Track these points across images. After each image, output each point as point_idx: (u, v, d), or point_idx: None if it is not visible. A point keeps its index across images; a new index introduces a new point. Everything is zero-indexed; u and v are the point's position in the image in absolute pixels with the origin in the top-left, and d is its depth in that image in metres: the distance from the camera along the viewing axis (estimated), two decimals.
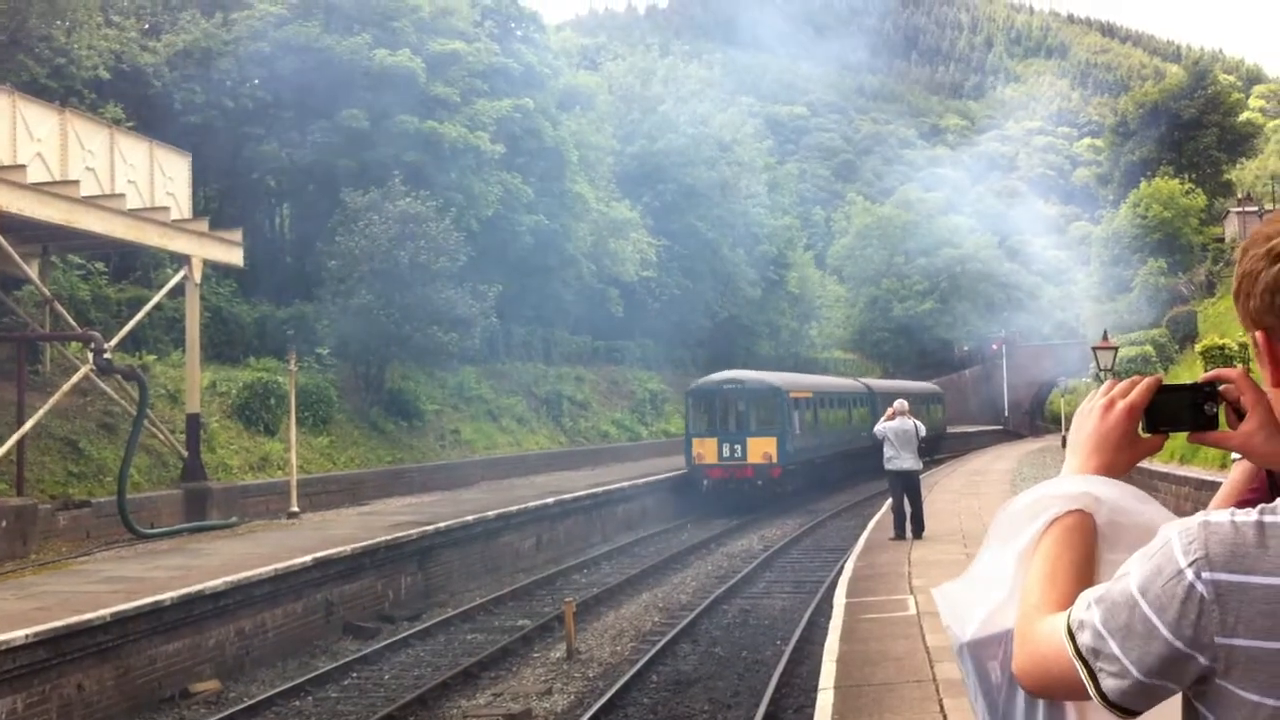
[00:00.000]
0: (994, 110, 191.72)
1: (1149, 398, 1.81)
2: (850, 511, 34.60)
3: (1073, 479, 1.79)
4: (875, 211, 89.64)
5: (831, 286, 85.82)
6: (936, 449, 53.57)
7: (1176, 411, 1.81)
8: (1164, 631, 1.45)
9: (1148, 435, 1.84)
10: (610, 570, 24.20)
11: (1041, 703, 1.80)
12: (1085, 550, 1.71)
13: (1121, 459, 1.81)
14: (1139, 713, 1.52)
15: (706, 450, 34.03)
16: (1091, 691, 1.51)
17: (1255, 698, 1.43)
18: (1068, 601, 1.59)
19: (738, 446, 34.04)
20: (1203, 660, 1.45)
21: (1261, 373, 1.67)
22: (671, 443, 48.47)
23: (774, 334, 68.20)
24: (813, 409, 38.70)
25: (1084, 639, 1.52)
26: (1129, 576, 1.50)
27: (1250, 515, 1.48)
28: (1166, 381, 1.83)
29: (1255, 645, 1.42)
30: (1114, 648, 1.48)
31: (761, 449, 34.08)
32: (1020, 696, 1.81)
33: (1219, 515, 1.49)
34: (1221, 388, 1.79)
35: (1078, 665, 1.52)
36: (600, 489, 29.77)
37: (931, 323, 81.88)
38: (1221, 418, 1.80)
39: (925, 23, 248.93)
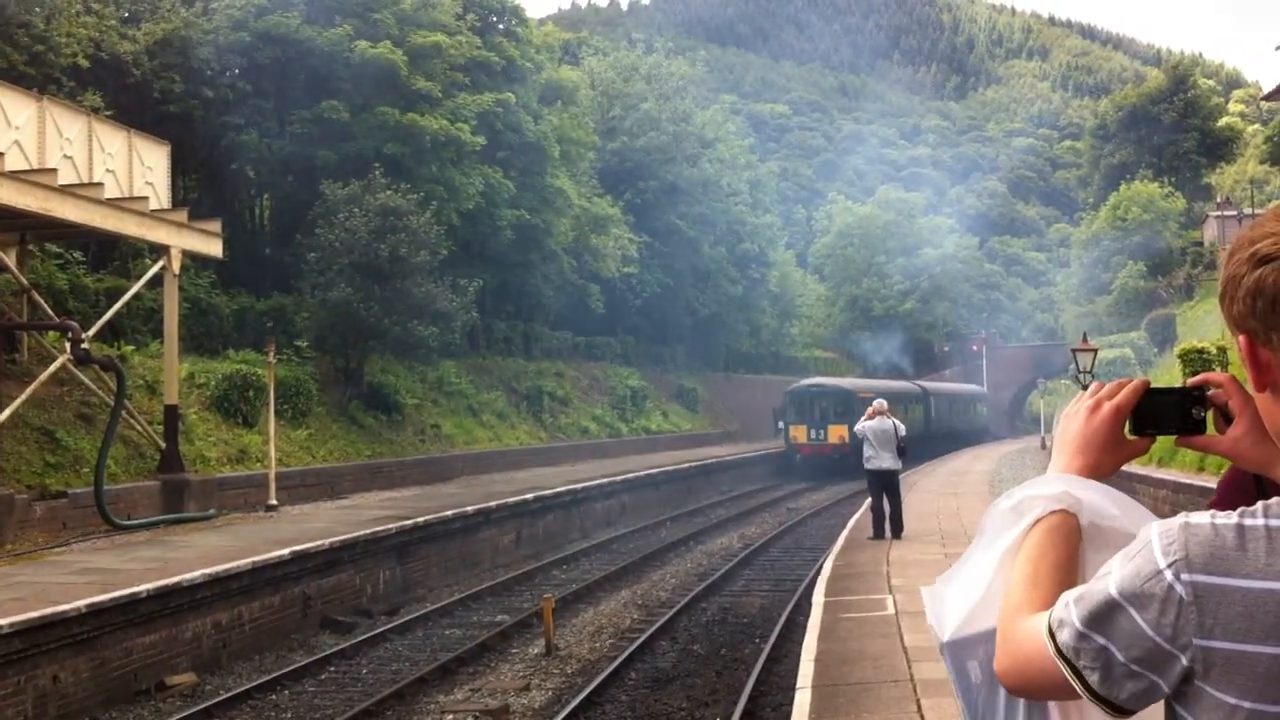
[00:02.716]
0: (975, 111, 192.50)
1: (1136, 400, 1.81)
2: (830, 510, 34.73)
3: (1057, 479, 1.79)
4: (856, 211, 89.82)
5: (812, 285, 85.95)
6: (982, 439, 67.01)
7: (1164, 414, 1.81)
8: (1146, 629, 1.46)
9: (1134, 437, 1.84)
10: (589, 566, 24.20)
11: (1021, 703, 1.80)
12: (1068, 551, 1.72)
13: (1107, 460, 1.82)
14: (1131, 712, 1.53)
15: (799, 433, 46.86)
16: (1081, 689, 1.52)
17: (1232, 700, 1.43)
18: (1050, 601, 1.59)
19: (821, 431, 46.34)
20: (1183, 660, 1.45)
21: (1246, 376, 1.68)
22: (651, 440, 48.52)
23: (755, 332, 68.29)
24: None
25: (1064, 637, 1.52)
26: (1109, 576, 1.51)
27: (1230, 518, 1.48)
28: (1152, 385, 1.83)
29: (1232, 648, 1.42)
30: (1095, 645, 1.49)
31: (837, 433, 45.03)
32: (1000, 697, 1.82)
33: (1199, 517, 1.50)
34: (1210, 392, 1.79)
35: (1060, 664, 1.53)
36: (579, 485, 29.79)
37: (911, 323, 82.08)
38: (1209, 422, 1.80)
39: (907, 23, 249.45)
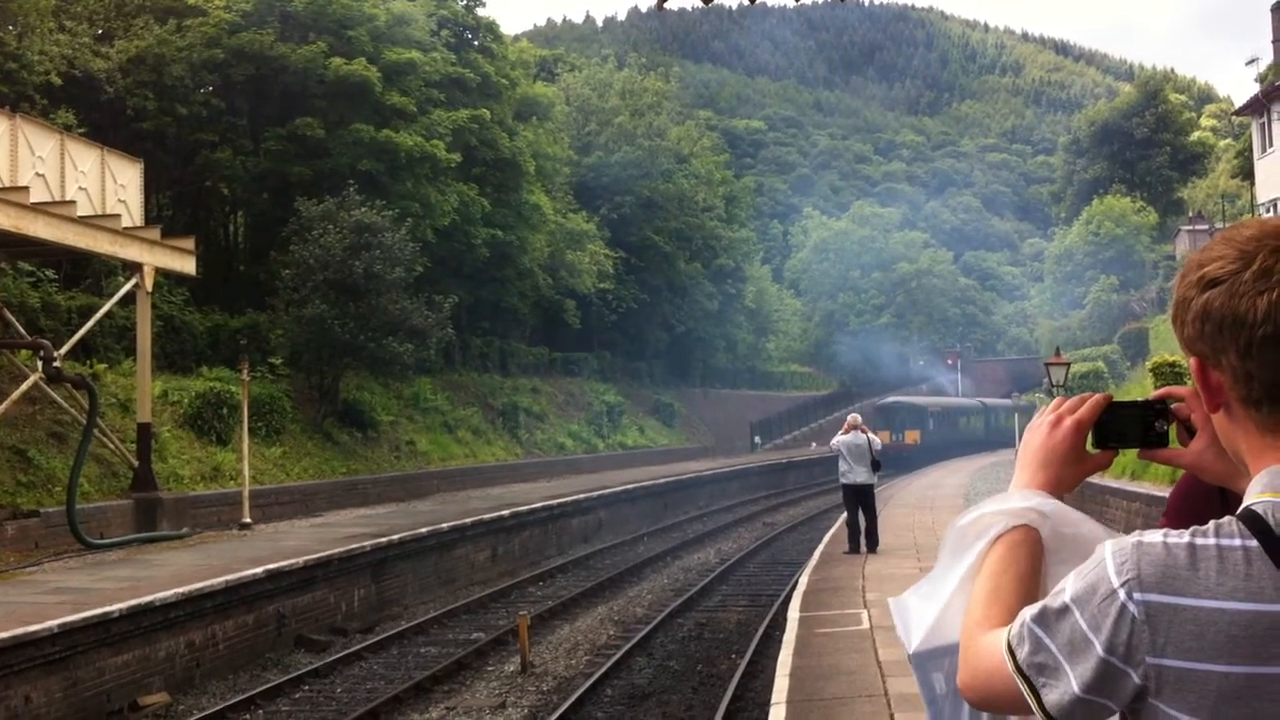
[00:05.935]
0: (949, 127, 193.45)
1: (1097, 414, 1.81)
2: (807, 524, 34.75)
3: (1018, 495, 1.80)
4: (832, 226, 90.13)
5: (788, 300, 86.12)
6: None
7: (1126, 428, 1.81)
8: (1098, 648, 1.47)
9: (1096, 451, 1.84)
10: (566, 583, 24.14)
11: (985, 716, 1.81)
12: (1029, 566, 1.72)
13: (1069, 474, 1.82)
14: None
15: (884, 436, 56.19)
16: (1034, 706, 1.53)
17: (1185, 717, 1.45)
18: (1011, 617, 1.60)
19: (900, 435, 60.55)
20: (1135, 678, 1.47)
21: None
22: (628, 455, 48.47)
23: (731, 347, 68.37)
24: (940, 415, 65.93)
25: (1022, 654, 1.53)
26: (1064, 593, 1.52)
27: (1183, 537, 1.49)
28: (1118, 399, 1.84)
29: (1184, 666, 1.44)
30: (1052, 663, 1.50)
31: (912, 436, 61.71)
32: (965, 709, 1.83)
33: (1152, 536, 1.51)
34: (1172, 405, 1.80)
35: (1018, 681, 1.54)
36: (555, 501, 29.73)
37: (887, 337, 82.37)
38: (1172, 435, 1.81)
39: (881, 39, 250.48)
